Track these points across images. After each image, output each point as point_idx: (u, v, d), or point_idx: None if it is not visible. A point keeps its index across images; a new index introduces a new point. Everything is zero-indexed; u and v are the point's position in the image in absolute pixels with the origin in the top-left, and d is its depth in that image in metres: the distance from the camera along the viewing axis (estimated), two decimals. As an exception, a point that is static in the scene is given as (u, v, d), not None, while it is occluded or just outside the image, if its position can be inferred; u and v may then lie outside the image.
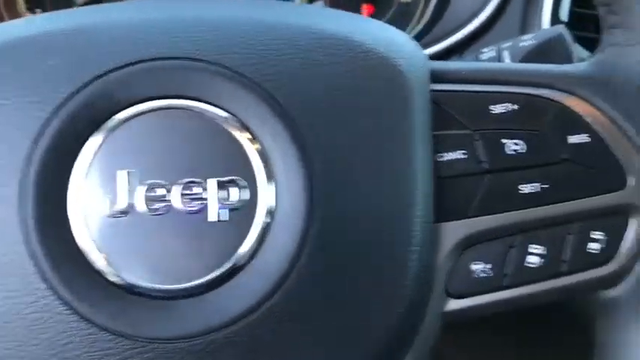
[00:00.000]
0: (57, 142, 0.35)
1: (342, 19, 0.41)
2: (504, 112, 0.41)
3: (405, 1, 0.84)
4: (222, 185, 0.35)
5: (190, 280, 0.35)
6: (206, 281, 0.35)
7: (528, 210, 0.40)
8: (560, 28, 0.55)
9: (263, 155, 0.36)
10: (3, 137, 0.35)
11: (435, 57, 0.76)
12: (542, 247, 0.40)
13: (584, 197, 0.41)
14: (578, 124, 0.41)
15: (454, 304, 0.40)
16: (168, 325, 0.35)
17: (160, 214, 0.35)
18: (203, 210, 0.35)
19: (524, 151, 0.40)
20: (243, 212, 0.36)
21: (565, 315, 0.52)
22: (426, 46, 0.77)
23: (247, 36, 0.37)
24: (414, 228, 0.37)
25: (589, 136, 0.41)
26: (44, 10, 0.81)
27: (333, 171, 0.36)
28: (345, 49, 0.38)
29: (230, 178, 0.36)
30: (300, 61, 0.37)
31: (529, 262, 0.40)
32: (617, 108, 0.41)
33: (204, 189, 0.35)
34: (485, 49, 0.59)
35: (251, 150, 0.36)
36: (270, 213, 0.36)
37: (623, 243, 0.41)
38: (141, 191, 0.35)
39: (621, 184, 0.41)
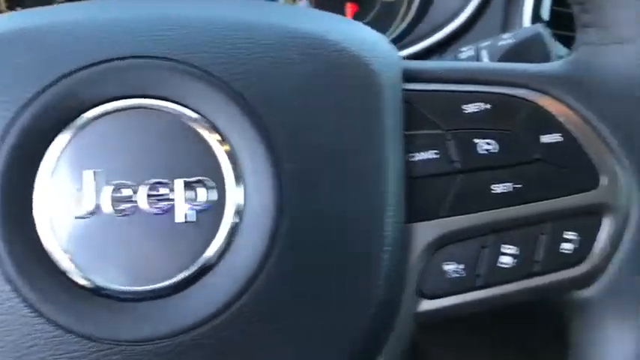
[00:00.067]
0: (22, 142, 0.35)
1: (320, 18, 0.40)
2: (477, 112, 0.40)
3: (388, 0, 0.84)
4: (189, 186, 0.35)
5: (158, 282, 0.35)
6: (174, 283, 0.35)
7: (501, 210, 0.40)
8: (539, 27, 0.55)
9: (231, 155, 0.35)
10: None
11: (417, 56, 0.76)
12: (514, 248, 0.40)
13: (557, 197, 0.40)
14: (551, 123, 0.41)
15: (427, 305, 0.40)
16: (135, 327, 0.35)
17: (126, 215, 0.35)
18: (170, 211, 0.35)
19: (496, 150, 0.40)
20: (211, 213, 0.35)
21: (540, 315, 0.52)
22: (408, 45, 0.77)
23: (216, 35, 0.37)
24: (385, 228, 0.37)
25: (562, 136, 0.41)
26: (24, 9, 0.80)
27: (303, 170, 0.36)
28: (318, 48, 0.37)
29: (197, 178, 0.35)
30: (270, 59, 0.37)
31: (502, 263, 0.40)
32: (591, 108, 0.41)
33: (171, 190, 0.35)
34: (464, 49, 0.59)
35: (219, 149, 0.35)
36: (239, 213, 0.35)
37: (596, 243, 0.41)
38: (107, 192, 0.35)
39: (594, 184, 0.41)
